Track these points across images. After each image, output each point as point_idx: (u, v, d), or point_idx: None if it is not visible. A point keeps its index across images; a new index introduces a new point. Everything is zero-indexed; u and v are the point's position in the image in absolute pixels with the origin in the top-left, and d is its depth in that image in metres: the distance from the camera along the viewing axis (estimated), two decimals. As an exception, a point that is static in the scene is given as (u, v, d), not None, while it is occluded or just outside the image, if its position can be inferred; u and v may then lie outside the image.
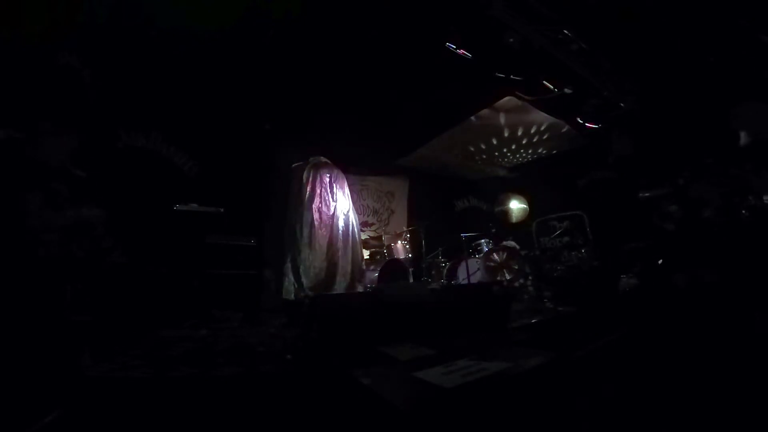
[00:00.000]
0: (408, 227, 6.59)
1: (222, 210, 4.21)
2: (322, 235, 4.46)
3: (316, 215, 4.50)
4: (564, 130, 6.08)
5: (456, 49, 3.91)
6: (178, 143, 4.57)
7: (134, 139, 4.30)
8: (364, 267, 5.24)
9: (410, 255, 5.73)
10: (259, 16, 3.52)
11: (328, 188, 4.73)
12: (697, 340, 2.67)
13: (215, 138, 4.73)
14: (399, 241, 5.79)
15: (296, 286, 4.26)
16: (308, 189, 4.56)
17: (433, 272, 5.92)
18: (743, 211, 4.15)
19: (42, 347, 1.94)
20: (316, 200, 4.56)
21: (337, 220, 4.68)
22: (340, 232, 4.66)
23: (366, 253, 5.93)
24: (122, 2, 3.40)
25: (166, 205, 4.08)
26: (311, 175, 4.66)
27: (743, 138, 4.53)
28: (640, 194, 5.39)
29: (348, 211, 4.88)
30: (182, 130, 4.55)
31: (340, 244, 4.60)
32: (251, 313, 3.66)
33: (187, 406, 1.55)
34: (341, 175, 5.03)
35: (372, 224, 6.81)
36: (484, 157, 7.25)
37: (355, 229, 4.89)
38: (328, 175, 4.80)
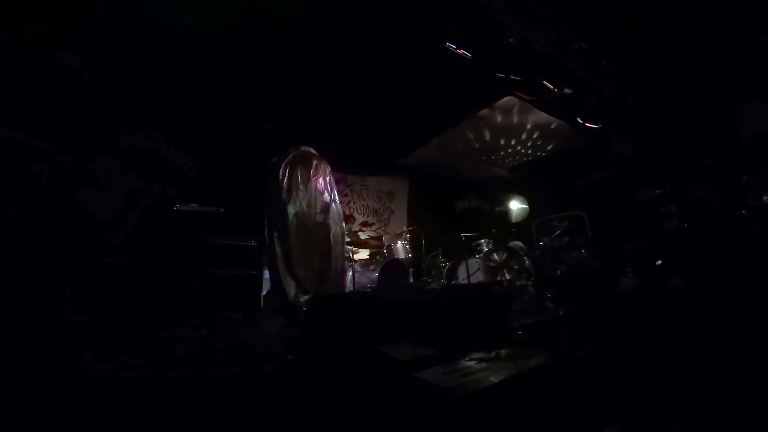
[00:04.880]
0: (408, 227, 6.59)
1: (222, 210, 4.20)
2: (299, 238, 4.12)
3: (293, 215, 4.17)
4: (564, 130, 6.07)
5: (456, 49, 3.91)
6: (178, 143, 4.56)
7: (134, 139, 4.30)
8: (359, 269, 5.14)
9: (410, 255, 5.73)
10: (259, 16, 3.52)
11: (306, 184, 4.34)
12: (695, 339, 2.67)
13: (215, 138, 4.72)
14: (399, 241, 5.79)
15: (278, 290, 4.08)
16: (284, 186, 4.20)
17: (433, 272, 5.92)
18: (743, 211, 4.15)
19: (42, 347, 1.94)
20: (293, 198, 4.20)
21: (316, 219, 4.33)
22: (318, 232, 4.32)
23: (366, 253, 5.92)
24: (122, 2, 3.40)
25: (166, 205, 4.08)
26: (287, 170, 4.28)
27: (743, 138, 4.53)
28: (640, 194, 5.40)
29: (329, 208, 4.47)
30: (182, 130, 4.54)
31: (319, 244, 4.27)
32: (251, 313, 3.66)
33: (187, 406, 1.55)
34: (324, 165, 4.59)
35: (372, 224, 6.80)
36: (484, 157, 7.25)
37: (337, 228, 4.48)
38: (306, 169, 4.40)
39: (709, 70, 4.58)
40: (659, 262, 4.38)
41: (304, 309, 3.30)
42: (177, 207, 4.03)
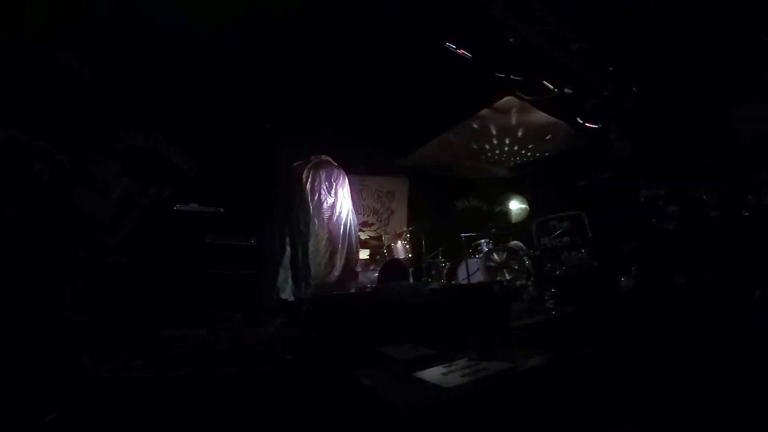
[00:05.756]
0: (408, 227, 6.59)
1: (222, 210, 4.20)
2: (320, 236, 4.44)
3: (315, 215, 4.46)
4: (564, 130, 6.07)
5: (456, 49, 3.92)
6: (178, 143, 4.56)
7: (134, 139, 4.30)
8: (359, 269, 5.23)
9: (410, 255, 5.73)
10: (259, 16, 3.52)
11: (328, 188, 4.68)
12: (695, 340, 2.67)
13: (215, 138, 4.72)
14: (399, 241, 5.79)
15: (293, 287, 4.23)
16: (308, 188, 4.51)
17: (433, 272, 5.92)
18: (743, 211, 4.15)
19: (42, 347, 1.94)
20: (316, 200, 4.52)
21: (336, 220, 4.64)
22: (339, 232, 4.62)
23: (366, 253, 5.92)
24: (122, 2, 3.40)
25: (166, 205, 4.08)
26: (311, 174, 4.61)
27: (743, 138, 4.53)
28: (640, 194, 5.40)
29: (347, 212, 4.82)
30: (182, 130, 4.54)
31: (338, 244, 4.56)
32: (251, 313, 3.66)
33: (187, 406, 1.55)
34: (342, 174, 4.96)
35: (372, 224, 6.80)
36: (484, 157, 7.25)
37: (353, 231, 4.82)
38: (328, 175, 4.75)
39: (709, 70, 4.57)
40: (659, 262, 4.38)
41: (304, 309, 3.31)
42: (177, 207, 4.03)
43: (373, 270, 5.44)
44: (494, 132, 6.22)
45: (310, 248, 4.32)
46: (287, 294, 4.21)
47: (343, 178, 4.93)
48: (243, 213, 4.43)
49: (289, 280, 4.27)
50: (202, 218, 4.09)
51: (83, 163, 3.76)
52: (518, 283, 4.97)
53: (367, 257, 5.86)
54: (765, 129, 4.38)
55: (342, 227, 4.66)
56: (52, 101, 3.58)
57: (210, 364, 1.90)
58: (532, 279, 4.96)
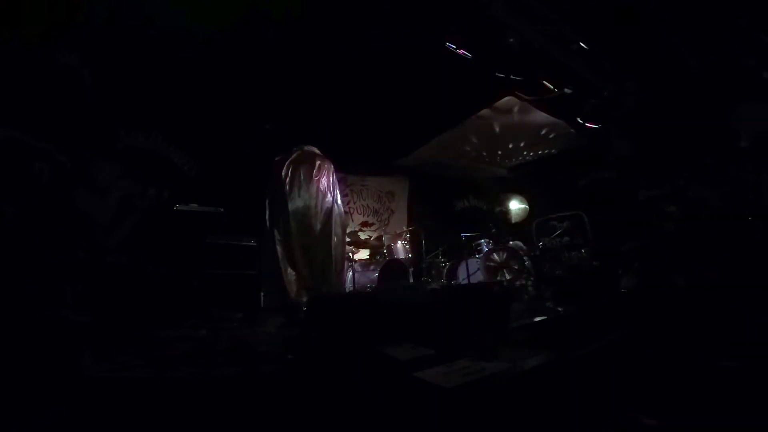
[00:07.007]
0: (408, 227, 6.59)
1: (222, 210, 4.20)
2: (300, 238, 4.16)
3: (293, 216, 4.18)
4: (564, 130, 6.07)
5: (456, 49, 3.92)
6: (178, 143, 4.56)
7: (134, 139, 4.30)
8: (359, 269, 5.15)
9: (410, 255, 5.73)
10: (259, 16, 3.53)
11: (308, 184, 4.31)
12: (696, 340, 2.67)
13: (215, 138, 4.73)
14: (399, 241, 5.79)
15: (279, 290, 4.09)
16: (287, 186, 4.20)
17: (433, 272, 5.92)
18: (743, 211, 4.15)
19: (42, 347, 1.93)
20: (294, 198, 4.21)
21: (317, 219, 4.31)
22: (320, 233, 4.30)
23: (366, 253, 5.92)
24: (122, 2, 3.40)
25: (165, 205, 4.08)
26: (290, 170, 4.28)
27: (743, 138, 4.53)
28: (640, 194, 5.40)
29: (330, 209, 4.41)
30: (182, 130, 4.54)
31: (320, 245, 4.27)
32: (251, 313, 3.66)
33: (187, 406, 1.55)
34: (327, 165, 4.54)
35: (372, 224, 6.79)
36: (484, 156, 7.25)
37: (336, 227, 4.43)
38: (308, 170, 4.37)
39: (709, 70, 4.58)
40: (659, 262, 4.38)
41: (304, 309, 3.30)
42: (177, 207, 4.03)
43: (373, 270, 5.44)
44: (494, 132, 6.22)
45: (295, 251, 4.09)
46: (275, 299, 4.09)
47: (328, 168, 4.53)
48: (243, 213, 4.42)
49: (275, 285, 4.11)
50: (202, 218, 4.09)
51: (83, 163, 3.76)
52: (518, 283, 4.97)
53: (367, 257, 5.86)
54: (765, 129, 4.38)
55: (325, 226, 4.32)
56: (52, 101, 3.58)
57: (210, 364, 1.90)
58: (532, 279, 4.96)
